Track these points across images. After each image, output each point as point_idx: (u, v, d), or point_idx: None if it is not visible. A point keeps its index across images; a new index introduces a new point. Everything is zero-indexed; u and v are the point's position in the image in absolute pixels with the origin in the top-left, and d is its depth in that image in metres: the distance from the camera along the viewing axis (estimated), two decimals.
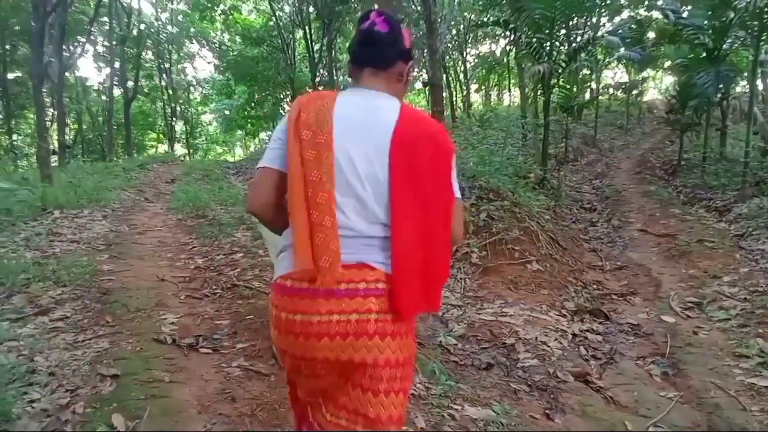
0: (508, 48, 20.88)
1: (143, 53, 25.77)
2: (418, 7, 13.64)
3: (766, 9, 8.42)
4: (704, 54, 10.58)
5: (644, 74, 21.00)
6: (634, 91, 20.66)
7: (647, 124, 19.68)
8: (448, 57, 21.79)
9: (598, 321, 5.04)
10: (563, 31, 11.37)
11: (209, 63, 40.25)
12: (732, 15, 9.55)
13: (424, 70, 15.58)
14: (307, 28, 20.98)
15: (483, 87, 31.17)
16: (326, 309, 1.52)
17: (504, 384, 3.54)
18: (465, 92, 25.92)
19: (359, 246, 1.57)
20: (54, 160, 12.57)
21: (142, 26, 25.48)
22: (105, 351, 3.38)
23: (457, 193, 1.70)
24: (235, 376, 3.22)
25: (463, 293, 5.27)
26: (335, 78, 20.39)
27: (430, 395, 3.05)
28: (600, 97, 19.33)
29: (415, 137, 1.60)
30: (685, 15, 10.98)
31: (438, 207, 1.62)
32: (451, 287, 5.43)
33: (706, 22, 10.27)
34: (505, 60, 24.25)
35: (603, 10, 16.49)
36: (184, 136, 33.77)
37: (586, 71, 17.56)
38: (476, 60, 26.53)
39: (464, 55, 24.69)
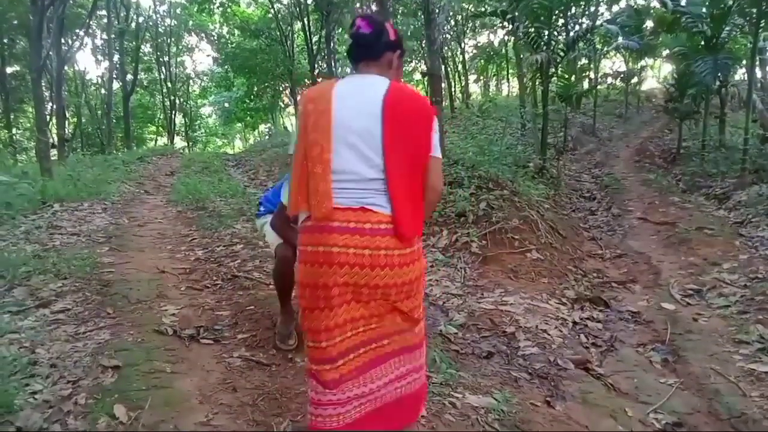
0: (506, 38, 20.79)
1: (142, 46, 25.71)
2: None
3: None
4: (703, 42, 10.56)
5: (643, 63, 20.89)
6: (633, 80, 20.58)
7: (646, 113, 19.65)
8: (446, 48, 21.73)
9: (598, 309, 5.05)
10: (561, 21, 11.33)
11: (208, 56, 40.37)
12: (730, 2, 9.54)
13: (422, 61, 15.52)
14: (305, 19, 20.89)
15: (482, 77, 31.14)
16: (343, 242, 1.88)
17: (505, 372, 3.55)
18: (464, 83, 25.88)
19: (361, 191, 1.93)
20: (53, 153, 12.54)
21: (141, 19, 25.41)
22: (106, 342, 3.38)
23: (437, 153, 2.07)
24: (236, 366, 3.22)
25: (463, 282, 5.27)
26: (334, 69, 20.32)
27: (431, 384, 3.05)
28: (598, 87, 19.24)
29: (401, 101, 1.99)
30: (683, 3, 10.92)
31: (419, 157, 2.00)
32: (451, 276, 5.44)
33: (704, 9, 10.25)
34: (504, 50, 24.20)
35: None
36: (183, 129, 33.75)
37: (584, 60, 17.46)
38: (475, 50, 26.46)
39: (463, 45, 24.64)
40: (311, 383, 2.01)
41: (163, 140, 32.84)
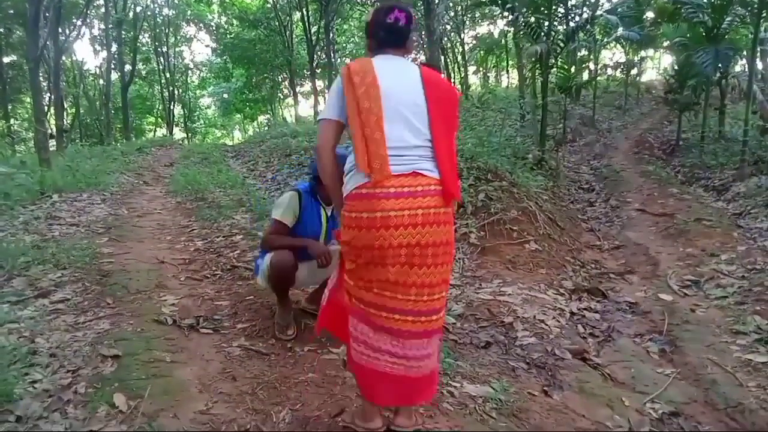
0: (506, 29, 20.72)
1: (140, 36, 25.61)
2: None
3: None
4: (703, 33, 10.51)
5: (643, 54, 20.85)
6: (633, 71, 20.53)
7: (645, 105, 19.57)
8: (446, 38, 21.67)
9: (595, 299, 5.07)
10: (561, 11, 11.28)
11: (206, 46, 39.97)
12: None
13: (422, 52, 15.48)
14: (304, 10, 20.84)
15: (481, 68, 31.05)
16: (399, 206, 2.11)
17: (502, 362, 3.56)
18: (463, 74, 25.78)
19: (412, 157, 2.18)
20: (52, 144, 12.52)
21: (138, 9, 25.29)
22: (106, 332, 3.39)
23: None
24: (235, 355, 3.24)
25: (461, 273, 5.28)
26: (333, 60, 20.27)
27: None
28: (598, 78, 19.18)
29: (438, 82, 2.32)
30: None
31: (452, 129, 2.32)
32: None
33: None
34: (503, 41, 24.12)
35: None
36: (182, 120, 33.67)
37: (584, 51, 17.42)
38: (474, 41, 26.38)
39: (462, 36, 24.56)
40: (352, 321, 2.30)
41: (161, 131, 32.80)
